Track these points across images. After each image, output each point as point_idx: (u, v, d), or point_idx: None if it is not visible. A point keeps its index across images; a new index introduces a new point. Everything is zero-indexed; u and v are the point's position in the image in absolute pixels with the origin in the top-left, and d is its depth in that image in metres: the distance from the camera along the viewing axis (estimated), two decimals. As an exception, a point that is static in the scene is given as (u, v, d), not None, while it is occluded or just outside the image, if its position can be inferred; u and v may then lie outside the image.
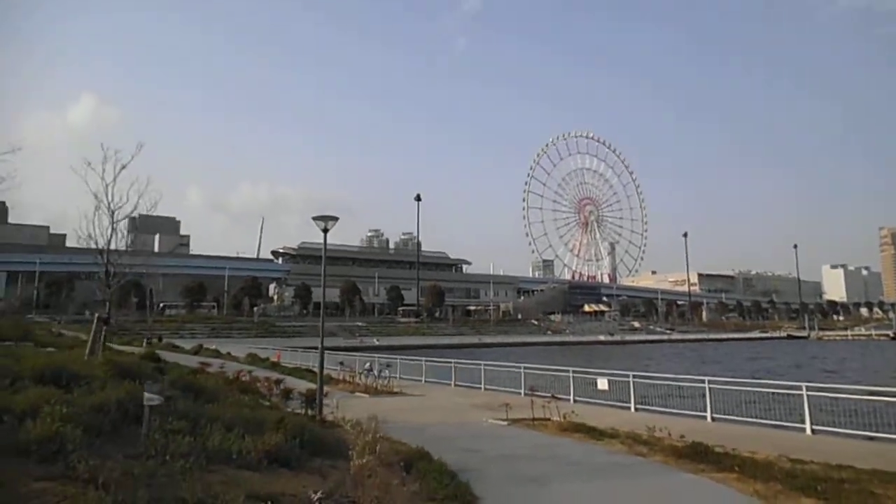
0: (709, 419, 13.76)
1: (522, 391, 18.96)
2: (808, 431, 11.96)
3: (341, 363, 23.31)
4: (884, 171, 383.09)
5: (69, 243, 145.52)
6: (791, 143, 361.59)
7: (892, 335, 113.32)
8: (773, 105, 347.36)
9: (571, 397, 17.22)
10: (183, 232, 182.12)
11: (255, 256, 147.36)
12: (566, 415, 12.49)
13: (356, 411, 14.98)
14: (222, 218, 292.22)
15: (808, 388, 12.05)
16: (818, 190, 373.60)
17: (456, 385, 22.29)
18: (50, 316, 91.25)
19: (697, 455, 8.35)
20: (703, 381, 14.14)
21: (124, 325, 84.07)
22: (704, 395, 13.94)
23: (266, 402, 12.68)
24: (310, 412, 12.41)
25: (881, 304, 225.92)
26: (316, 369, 22.55)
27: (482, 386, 20.92)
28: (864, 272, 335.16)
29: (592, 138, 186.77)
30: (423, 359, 24.65)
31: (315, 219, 12.54)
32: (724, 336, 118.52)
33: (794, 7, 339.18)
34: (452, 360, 23.01)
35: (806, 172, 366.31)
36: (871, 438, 10.97)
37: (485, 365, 21.11)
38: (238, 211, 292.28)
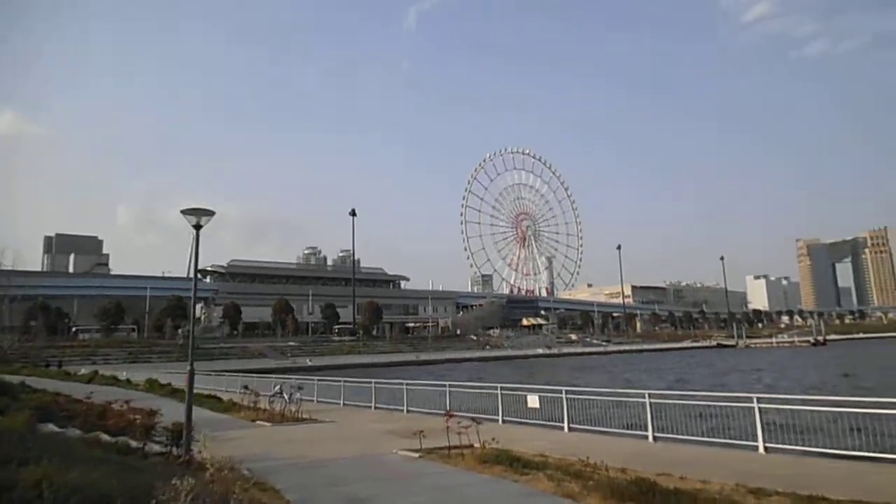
0: (650, 439, 12.14)
1: (449, 410, 17.00)
2: (762, 450, 10.47)
3: (245, 387, 20.70)
4: (802, 184, 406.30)
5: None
6: (716, 160, 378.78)
7: (812, 342, 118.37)
8: (699, 127, 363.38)
9: (500, 417, 15.37)
10: (109, 251, 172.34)
11: (183, 276, 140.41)
12: (486, 442, 10.53)
13: (244, 446, 12.65)
14: (155, 237, 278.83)
15: (759, 401, 10.56)
16: (742, 203, 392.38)
17: (377, 408, 20.08)
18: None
19: (642, 495, 6.56)
20: (643, 396, 12.54)
21: (27, 351, 77.19)
22: (645, 411, 12.31)
23: (115, 442, 10.17)
24: (176, 451, 10.01)
25: (801, 312, 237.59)
26: (227, 393, 20.07)
27: (405, 408, 18.80)
28: (784, 282, 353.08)
29: (528, 154, 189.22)
30: (342, 380, 22.30)
31: (185, 212, 10.25)
32: (658, 346, 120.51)
33: (701, 35, 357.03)
34: (373, 381, 20.76)
35: (728, 187, 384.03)
36: (833, 456, 9.55)
37: (407, 385, 18.99)
38: (173, 230, 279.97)
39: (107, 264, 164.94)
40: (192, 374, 10.92)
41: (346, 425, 16.32)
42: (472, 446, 10.84)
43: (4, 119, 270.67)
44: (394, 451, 11.33)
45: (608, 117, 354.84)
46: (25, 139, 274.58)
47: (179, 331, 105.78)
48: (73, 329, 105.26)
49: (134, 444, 10.38)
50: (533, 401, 14.42)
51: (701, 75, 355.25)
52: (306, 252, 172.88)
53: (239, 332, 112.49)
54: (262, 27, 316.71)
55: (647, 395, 12.44)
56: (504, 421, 15.27)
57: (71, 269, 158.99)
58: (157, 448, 10.61)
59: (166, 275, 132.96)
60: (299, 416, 17.86)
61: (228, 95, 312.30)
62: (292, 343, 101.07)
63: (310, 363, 76.66)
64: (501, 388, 15.59)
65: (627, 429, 12.84)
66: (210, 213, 10.47)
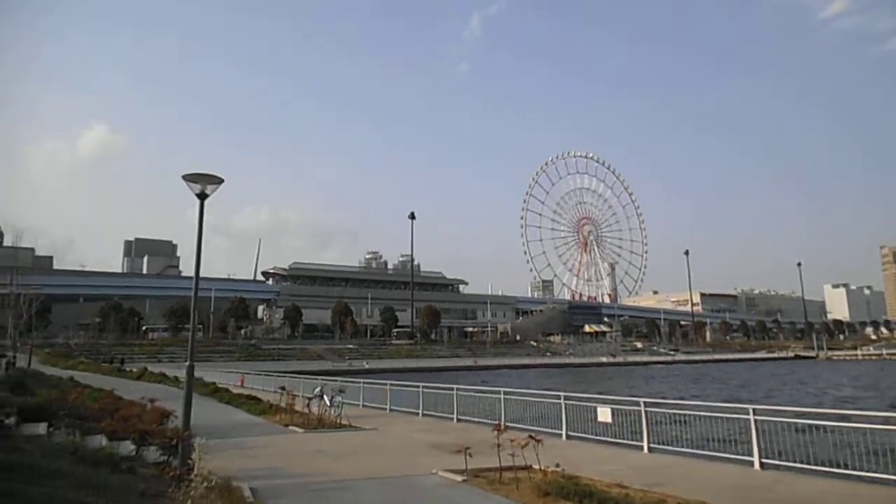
0: (756, 465, 9.65)
1: (502, 423, 14.87)
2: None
3: (282, 388, 19.20)
4: (883, 189, 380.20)
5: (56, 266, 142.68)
6: (790, 162, 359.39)
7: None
8: (774, 124, 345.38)
9: (563, 432, 13.11)
10: (183, 256, 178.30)
11: (250, 278, 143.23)
12: (547, 468, 8.32)
13: (265, 456, 10.94)
14: (224, 241, 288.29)
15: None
16: (818, 208, 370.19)
17: (424, 415, 18.13)
18: (22, 341, 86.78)
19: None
20: (745, 411, 10.05)
21: (96, 347, 79.78)
22: (750, 431, 9.83)
23: (102, 448, 8.61)
24: (173, 461, 8.37)
25: (887, 323, 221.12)
26: (274, 395, 18.61)
27: (454, 416, 16.77)
28: (867, 291, 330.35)
29: (591, 158, 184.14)
30: (388, 383, 20.49)
31: (186, 178, 8.66)
32: (731, 357, 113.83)
33: (794, 25, 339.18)
34: (421, 385, 18.83)
35: (805, 190, 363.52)
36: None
37: (457, 390, 16.94)
38: (240, 234, 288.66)
39: (177, 266, 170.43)
40: (191, 370, 9.27)
41: (386, 434, 14.44)
42: (529, 468, 8.71)
43: (98, 131, 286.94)
44: (434, 470, 9.32)
45: (670, 124, 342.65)
46: (113, 148, 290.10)
47: (241, 331, 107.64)
48: (144, 328, 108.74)
49: (127, 452, 8.81)
50: (604, 414, 12.11)
51: (788, 68, 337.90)
52: (368, 257, 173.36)
53: (299, 333, 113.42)
54: (325, 30, 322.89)
55: (751, 411, 9.94)
56: (568, 437, 13.01)
57: (145, 271, 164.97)
58: (154, 457, 9.00)
59: (231, 277, 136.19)
60: (338, 421, 16.14)
61: (293, 100, 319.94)
62: (351, 345, 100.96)
63: (367, 366, 75.88)
64: (565, 398, 13.33)
65: (723, 451, 10.38)
66: (217, 181, 8.84)
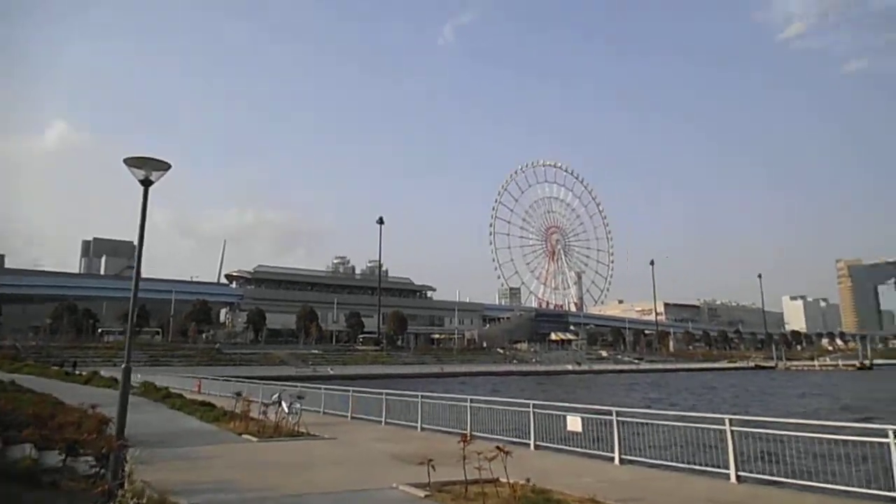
0: (733, 478, 9.25)
1: (468, 432, 14.27)
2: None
3: (238, 394, 18.28)
4: (843, 204, 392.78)
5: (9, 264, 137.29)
6: (754, 176, 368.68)
7: (858, 365, 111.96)
8: (742, 136, 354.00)
9: (532, 442, 12.57)
10: (144, 257, 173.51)
11: (213, 281, 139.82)
12: (516, 483, 7.73)
13: (212, 469, 10.11)
14: (190, 243, 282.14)
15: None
16: (779, 222, 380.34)
17: (387, 423, 17.41)
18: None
19: None
20: (721, 422, 9.64)
21: (47, 350, 76.69)
22: (725, 441, 9.42)
23: (21, 459, 7.72)
24: (103, 473, 7.53)
25: (842, 335, 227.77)
26: (245, 400, 17.60)
27: (419, 425, 16.10)
28: (823, 304, 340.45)
29: (559, 167, 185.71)
30: (351, 390, 19.70)
31: (129, 162, 7.87)
32: (693, 366, 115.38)
33: (760, 44, 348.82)
34: (384, 392, 18.11)
35: (767, 204, 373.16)
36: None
37: (422, 398, 16.28)
38: (206, 236, 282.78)
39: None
40: (127, 373, 8.42)
41: (346, 444, 13.68)
42: (496, 481, 8.11)
43: (57, 128, 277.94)
44: (394, 484, 8.65)
45: (639, 135, 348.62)
46: (75, 146, 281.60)
47: (202, 335, 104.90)
48: (100, 330, 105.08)
49: (54, 463, 7.93)
50: (574, 423, 11.61)
51: (740, 90, 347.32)
52: (335, 262, 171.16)
53: (262, 338, 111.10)
54: (302, 32, 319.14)
55: (727, 421, 9.53)
56: (537, 447, 12.47)
57: (102, 272, 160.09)
58: (86, 469, 8.13)
59: (193, 279, 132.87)
60: (296, 429, 15.32)
61: (261, 101, 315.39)
62: (315, 351, 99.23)
63: (331, 372, 74.57)
64: (534, 406, 12.80)
65: (698, 463, 9.96)
66: (164, 167, 8.07)
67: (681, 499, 8.28)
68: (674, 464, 10.11)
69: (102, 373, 42.26)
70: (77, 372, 42.95)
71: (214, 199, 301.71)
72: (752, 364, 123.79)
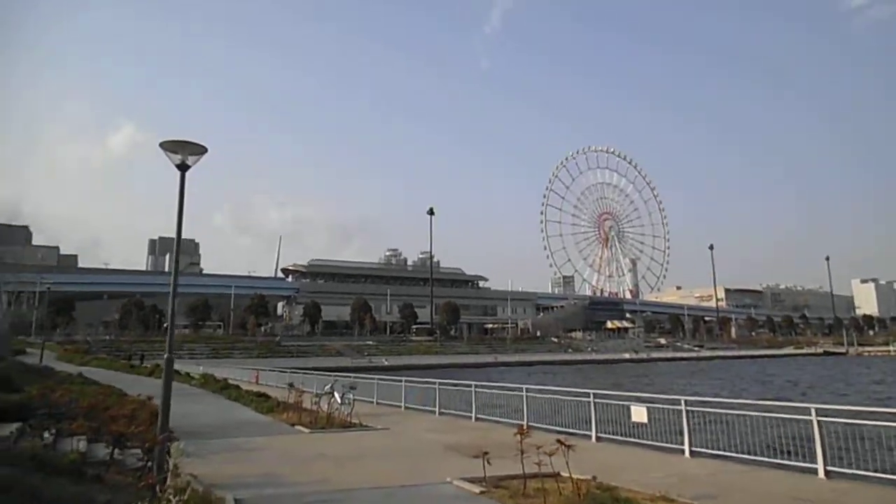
0: (821, 473, 8.37)
1: (525, 422, 13.70)
2: None
3: (291, 385, 18.24)
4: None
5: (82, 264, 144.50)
6: (817, 155, 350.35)
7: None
8: (799, 117, 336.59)
9: (593, 433, 11.89)
10: (205, 254, 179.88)
11: (271, 275, 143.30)
12: (578, 480, 7.11)
13: (262, 461, 9.89)
14: (248, 240, 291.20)
15: None
16: (845, 202, 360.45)
17: (441, 413, 17.02)
18: (46, 336, 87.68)
19: None
20: (806, 412, 8.76)
21: (119, 344, 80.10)
22: (810, 431, 8.54)
23: (70, 452, 7.62)
24: (149, 466, 7.35)
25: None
26: (297, 390, 17.60)
27: (472, 415, 15.63)
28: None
29: (612, 153, 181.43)
30: (403, 379, 19.40)
31: (165, 145, 7.64)
32: (757, 353, 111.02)
33: (814, 24, 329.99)
34: (437, 382, 17.71)
35: (832, 183, 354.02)
36: None
37: (476, 387, 15.79)
38: (263, 233, 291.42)
39: (198, 264, 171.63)
40: (169, 363, 8.21)
41: (398, 435, 13.34)
42: (557, 475, 7.53)
43: (124, 132, 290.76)
44: (448, 479, 8.18)
45: (697, 112, 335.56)
46: (140, 148, 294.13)
47: (260, 328, 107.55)
48: (165, 325, 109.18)
49: (102, 456, 7.82)
50: (639, 413, 10.88)
51: (807, 60, 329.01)
52: (387, 254, 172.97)
53: (318, 330, 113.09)
54: (351, 23, 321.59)
55: (813, 411, 8.64)
56: (598, 438, 11.79)
57: (166, 269, 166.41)
58: (134, 462, 8.00)
59: (250, 274, 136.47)
60: (349, 420, 15.10)
61: (316, 100, 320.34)
62: (370, 342, 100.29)
63: (386, 362, 75.22)
64: (594, 396, 12.10)
65: (776, 455, 9.10)
66: (200, 150, 7.80)
67: (762, 495, 7.49)
68: (751, 457, 9.28)
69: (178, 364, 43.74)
70: (145, 364, 44.50)
71: (271, 197, 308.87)
72: (820, 350, 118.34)
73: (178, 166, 7.79)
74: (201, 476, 8.50)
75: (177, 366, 44.98)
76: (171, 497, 6.00)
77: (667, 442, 10.61)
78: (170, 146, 7.68)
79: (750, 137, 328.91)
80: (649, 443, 10.78)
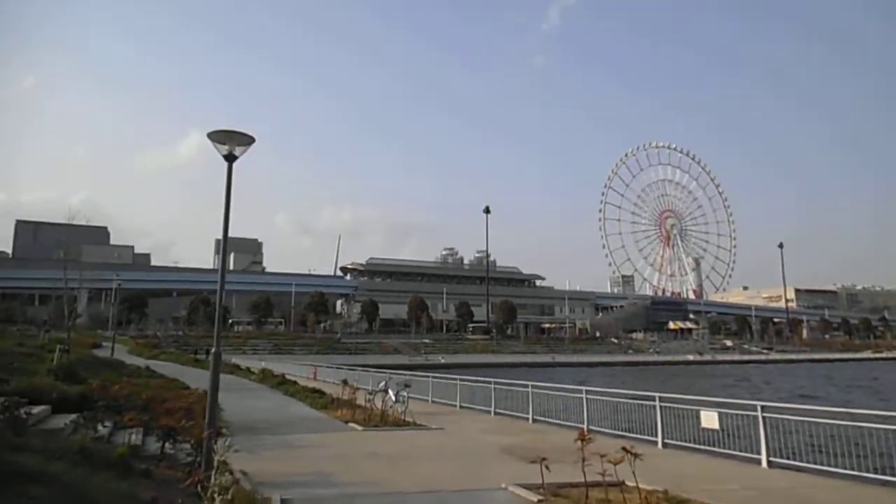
0: (921, 492, 7.47)
1: (585, 426, 13.08)
2: None
3: (345, 381, 18.14)
4: None
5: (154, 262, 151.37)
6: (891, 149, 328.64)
7: None
8: (879, 107, 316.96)
9: (659, 439, 11.17)
10: (267, 253, 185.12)
11: (330, 273, 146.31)
12: (648, 493, 6.55)
13: (313, 459, 9.70)
14: (309, 240, 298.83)
15: None
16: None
17: (497, 413, 16.56)
18: (121, 332, 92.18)
19: None
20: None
21: (187, 339, 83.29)
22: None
23: (121, 445, 7.58)
24: (198, 461, 7.23)
25: None
26: (351, 387, 17.57)
27: (530, 416, 15.10)
28: None
29: (674, 148, 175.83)
30: (458, 378, 19.03)
31: (212, 136, 7.50)
32: (832, 356, 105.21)
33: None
34: (493, 381, 17.26)
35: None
36: None
37: (533, 387, 15.24)
38: (323, 232, 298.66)
39: (261, 262, 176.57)
40: (217, 357, 8.06)
41: (453, 435, 12.97)
42: (622, 485, 6.95)
43: (194, 137, 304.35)
44: (503, 485, 7.72)
45: (784, 93, 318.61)
46: (208, 153, 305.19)
47: (320, 325, 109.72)
48: (230, 321, 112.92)
49: (154, 450, 7.77)
50: (709, 419, 10.11)
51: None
52: (444, 252, 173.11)
53: (376, 327, 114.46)
54: (403, 18, 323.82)
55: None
56: (664, 444, 11.06)
57: (231, 268, 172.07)
58: (184, 457, 7.91)
59: (312, 272, 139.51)
60: (402, 418, 14.85)
61: (372, 99, 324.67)
62: (426, 340, 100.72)
63: (442, 360, 75.30)
64: (660, 399, 11.37)
65: (867, 470, 8.18)
66: (248, 140, 7.62)
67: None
68: (840, 470, 8.41)
69: (235, 360, 44.98)
70: (207, 358, 45.96)
71: (330, 197, 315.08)
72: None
73: (225, 157, 7.64)
74: (251, 473, 8.37)
75: (239, 361, 46.34)
76: (214, 495, 5.81)
77: (741, 450, 9.82)
78: (217, 137, 7.54)
79: (832, 123, 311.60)
80: (721, 451, 9.99)
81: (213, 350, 7.93)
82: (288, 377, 26.47)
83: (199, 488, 5.96)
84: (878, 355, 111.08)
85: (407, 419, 14.66)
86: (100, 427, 8.07)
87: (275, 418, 15.22)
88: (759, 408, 9.57)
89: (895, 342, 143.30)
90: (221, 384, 20.21)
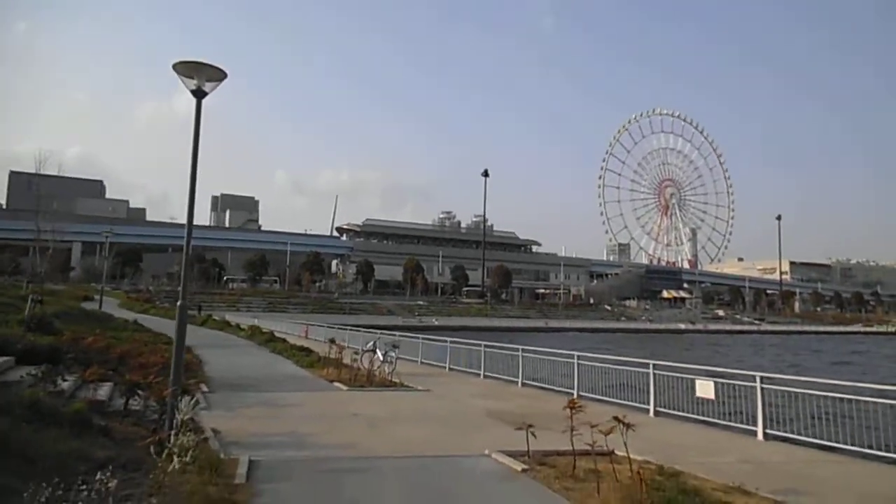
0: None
1: (575, 392, 12.75)
2: None
3: (332, 340, 17.76)
4: None
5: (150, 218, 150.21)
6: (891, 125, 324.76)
7: None
8: (877, 88, 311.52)
9: (651, 407, 10.82)
10: (264, 212, 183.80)
11: (326, 234, 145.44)
12: (640, 464, 6.16)
13: (292, 418, 9.33)
14: (306, 200, 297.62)
15: None
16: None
17: (486, 376, 16.25)
18: (115, 285, 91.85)
19: None
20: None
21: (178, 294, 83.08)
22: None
23: (84, 399, 7.13)
24: (163, 419, 6.80)
25: None
26: (338, 346, 17.09)
27: (519, 380, 14.77)
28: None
29: (678, 117, 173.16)
30: (448, 340, 18.67)
31: (178, 67, 6.80)
32: (822, 329, 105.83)
33: None
34: (483, 344, 16.90)
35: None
36: None
37: (523, 351, 14.87)
38: (321, 193, 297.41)
39: (257, 220, 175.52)
40: (183, 310, 7.53)
41: (440, 397, 12.62)
42: (611, 454, 6.55)
43: (187, 93, 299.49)
44: (487, 451, 7.33)
45: (790, 70, 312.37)
46: (209, 109, 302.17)
47: (315, 284, 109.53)
48: (225, 278, 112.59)
49: (118, 406, 7.33)
50: (705, 388, 9.73)
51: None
52: (441, 216, 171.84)
53: (371, 289, 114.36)
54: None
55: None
56: (657, 413, 10.72)
57: (227, 225, 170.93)
58: (151, 415, 7.49)
59: (308, 232, 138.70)
60: (389, 379, 14.51)
61: (372, 63, 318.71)
62: (421, 302, 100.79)
63: (436, 322, 75.40)
64: (654, 367, 10.98)
65: (867, 445, 7.83)
66: (219, 75, 6.94)
67: (861, 495, 6.33)
68: (840, 445, 8.06)
69: (228, 317, 44.74)
70: (200, 314, 45.62)
71: (329, 157, 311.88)
72: (892, 329, 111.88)
73: (193, 92, 6.97)
74: (225, 432, 7.98)
75: (232, 318, 46.05)
76: (173, 456, 5.39)
77: (736, 422, 9.48)
78: (183, 69, 6.83)
79: (838, 107, 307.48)
80: (716, 421, 9.65)
81: (178, 303, 7.40)
82: (277, 335, 26.13)
83: (154, 448, 5.54)
84: (867, 329, 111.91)
85: (394, 380, 14.32)
86: (61, 381, 7.62)
87: (259, 375, 14.86)
88: (757, 378, 9.17)
89: (885, 316, 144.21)
90: (208, 340, 19.95)
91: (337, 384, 13.58)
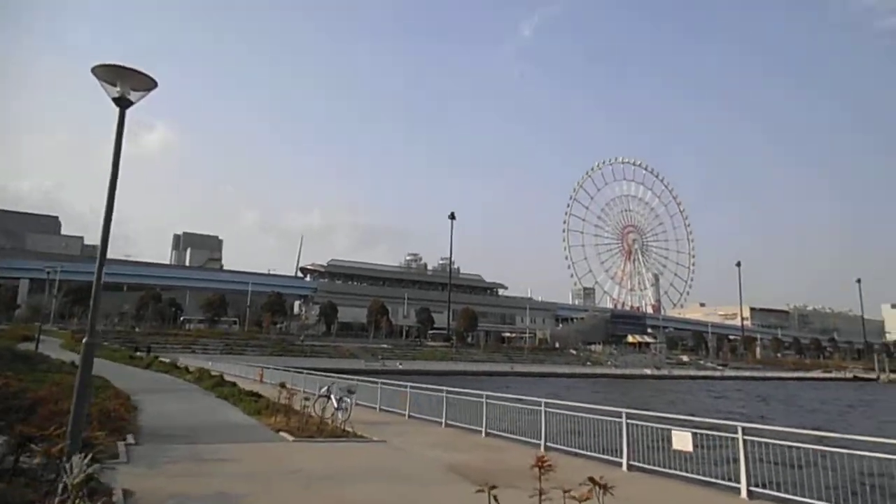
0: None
1: (542, 443, 11.83)
2: None
3: (282, 384, 16.50)
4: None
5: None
6: (850, 173, 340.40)
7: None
8: (833, 131, 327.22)
9: (625, 461, 9.95)
10: (229, 252, 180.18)
11: (291, 274, 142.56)
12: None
13: (221, 476, 8.18)
14: (274, 240, 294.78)
15: None
16: (878, 222, 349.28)
17: (447, 425, 15.17)
18: (63, 325, 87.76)
19: None
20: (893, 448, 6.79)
21: (133, 336, 79.68)
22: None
23: None
24: (65, 478, 5.66)
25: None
26: (288, 391, 15.86)
27: (483, 429, 13.76)
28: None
29: (639, 165, 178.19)
30: (409, 385, 17.57)
31: (98, 72, 5.92)
32: (784, 375, 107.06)
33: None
34: (445, 390, 15.87)
35: (864, 203, 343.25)
36: None
37: (487, 398, 13.91)
38: (291, 233, 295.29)
39: (219, 260, 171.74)
40: (89, 350, 6.45)
41: (396, 449, 11.52)
42: (584, 520, 5.65)
43: (160, 132, 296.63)
44: (443, 518, 6.35)
45: (727, 125, 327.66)
46: (173, 148, 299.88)
47: (276, 325, 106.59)
48: (182, 319, 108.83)
49: (9, 464, 6.15)
50: (682, 440, 8.93)
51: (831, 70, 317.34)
52: (408, 258, 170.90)
53: (334, 331, 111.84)
54: (372, 28, 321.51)
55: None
56: (630, 467, 9.85)
57: (188, 263, 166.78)
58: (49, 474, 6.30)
59: (271, 272, 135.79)
60: (342, 428, 13.34)
61: (341, 106, 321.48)
62: (385, 345, 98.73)
63: (400, 366, 73.53)
64: (627, 416, 10.15)
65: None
66: (146, 84, 6.09)
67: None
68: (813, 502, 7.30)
69: (182, 359, 42.52)
70: (154, 356, 43.35)
71: (299, 198, 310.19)
72: (850, 375, 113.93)
73: (115, 101, 6.10)
74: (139, 494, 6.83)
75: (185, 360, 43.78)
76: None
77: (716, 477, 8.69)
78: (105, 73, 5.96)
79: (790, 148, 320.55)
80: (695, 477, 8.83)
81: (84, 341, 6.31)
82: (228, 378, 24.57)
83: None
84: (826, 375, 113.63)
85: (347, 429, 13.16)
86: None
87: (197, 424, 13.51)
88: (739, 429, 8.43)
89: (843, 363, 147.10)
90: (149, 384, 18.37)
91: (283, 434, 12.35)
